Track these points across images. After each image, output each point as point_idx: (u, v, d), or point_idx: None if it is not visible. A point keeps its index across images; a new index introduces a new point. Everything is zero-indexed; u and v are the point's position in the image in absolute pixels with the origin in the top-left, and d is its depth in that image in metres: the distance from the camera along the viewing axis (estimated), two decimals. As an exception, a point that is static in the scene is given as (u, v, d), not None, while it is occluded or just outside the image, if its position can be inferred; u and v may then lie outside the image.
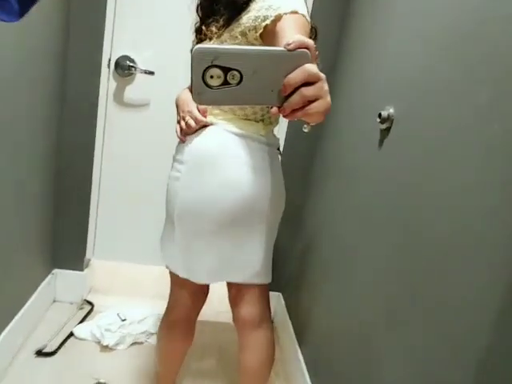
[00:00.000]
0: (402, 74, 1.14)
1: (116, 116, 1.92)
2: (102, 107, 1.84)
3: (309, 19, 0.95)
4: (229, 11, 1.04)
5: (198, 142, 1.09)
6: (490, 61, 0.79)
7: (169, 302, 1.32)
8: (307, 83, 0.50)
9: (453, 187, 0.85)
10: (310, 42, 0.51)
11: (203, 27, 1.12)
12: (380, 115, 1.12)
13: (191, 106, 1.11)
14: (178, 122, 1.15)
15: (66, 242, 1.97)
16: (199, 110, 1.10)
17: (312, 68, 0.50)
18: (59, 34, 1.66)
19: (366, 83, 1.41)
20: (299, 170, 1.97)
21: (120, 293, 2.15)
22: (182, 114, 1.14)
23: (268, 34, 0.93)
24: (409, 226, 1.00)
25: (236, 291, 1.27)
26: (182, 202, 1.09)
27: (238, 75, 0.49)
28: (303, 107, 0.51)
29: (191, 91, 0.51)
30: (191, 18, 1.19)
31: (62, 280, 2.02)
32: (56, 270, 1.99)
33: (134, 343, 1.84)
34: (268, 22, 0.92)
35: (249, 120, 1.11)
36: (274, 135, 1.23)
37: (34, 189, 1.66)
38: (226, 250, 1.13)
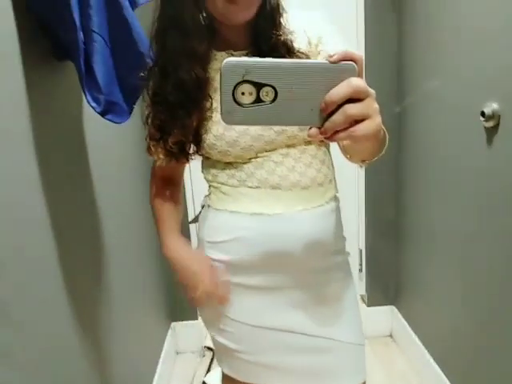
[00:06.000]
0: (505, 64, 1.04)
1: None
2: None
3: None
4: None
5: None
6: None
7: None
8: (353, 100, 0.44)
9: None
10: (358, 54, 0.45)
11: None
12: (483, 113, 1.05)
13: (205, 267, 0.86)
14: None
15: (180, 294, 2.05)
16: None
17: (359, 82, 0.44)
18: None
19: (459, 79, 1.30)
20: (387, 183, 1.92)
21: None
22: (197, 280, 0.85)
23: None
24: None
25: None
26: None
27: (273, 92, 0.44)
28: (347, 128, 0.45)
29: (220, 110, 0.45)
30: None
31: (180, 332, 2.10)
32: (173, 324, 2.09)
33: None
34: None
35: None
36: None
37: (148, 251, 1.76)
38: None
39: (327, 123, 0.45)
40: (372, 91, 0.46)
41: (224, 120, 0.46)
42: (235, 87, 0.44)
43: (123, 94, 0.90)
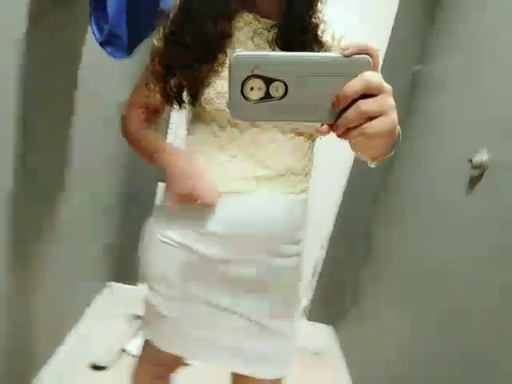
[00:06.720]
0: (499, 114, 1.07)
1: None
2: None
3: None
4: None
5: None
6: None
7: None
8: (367, 96, 0.42)
9: None
10: (373, 46, 0.43)
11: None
12: (471, 161, 1.06)
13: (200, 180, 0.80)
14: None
15: (124, 255, 2.00)
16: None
17: (373, 77, 0.41)
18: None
19: (452, 123, 1.32)
20: (362, 205, 1.93)
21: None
22: (189, 182, 0.80)
23: None
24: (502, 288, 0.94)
25: None
26: None
27: (283, 87, 0.42)
28: (361, 125, 0.43)
29: (228, 105, 0.44)
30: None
31: (116, 293, 2.05)
32: (112, 283, 2.03)
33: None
34: None
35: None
36: None
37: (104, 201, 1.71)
38: None
39: (340, 120, 0.43)
40: (388, 86, 0.43)
41: (231, 115, 0.44)
42: (244, 82, 0.42)
43: (130, 31, 0.86)
